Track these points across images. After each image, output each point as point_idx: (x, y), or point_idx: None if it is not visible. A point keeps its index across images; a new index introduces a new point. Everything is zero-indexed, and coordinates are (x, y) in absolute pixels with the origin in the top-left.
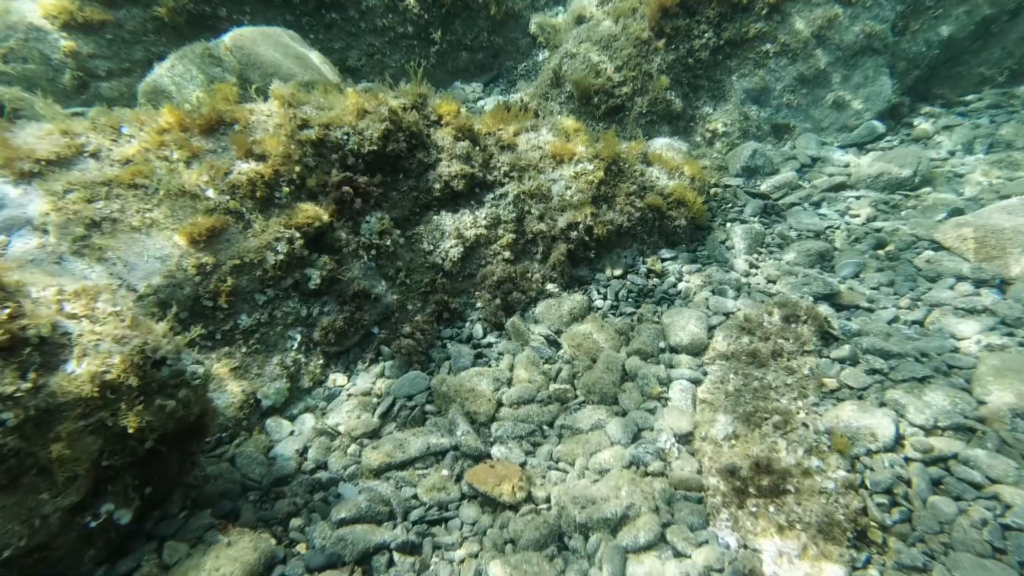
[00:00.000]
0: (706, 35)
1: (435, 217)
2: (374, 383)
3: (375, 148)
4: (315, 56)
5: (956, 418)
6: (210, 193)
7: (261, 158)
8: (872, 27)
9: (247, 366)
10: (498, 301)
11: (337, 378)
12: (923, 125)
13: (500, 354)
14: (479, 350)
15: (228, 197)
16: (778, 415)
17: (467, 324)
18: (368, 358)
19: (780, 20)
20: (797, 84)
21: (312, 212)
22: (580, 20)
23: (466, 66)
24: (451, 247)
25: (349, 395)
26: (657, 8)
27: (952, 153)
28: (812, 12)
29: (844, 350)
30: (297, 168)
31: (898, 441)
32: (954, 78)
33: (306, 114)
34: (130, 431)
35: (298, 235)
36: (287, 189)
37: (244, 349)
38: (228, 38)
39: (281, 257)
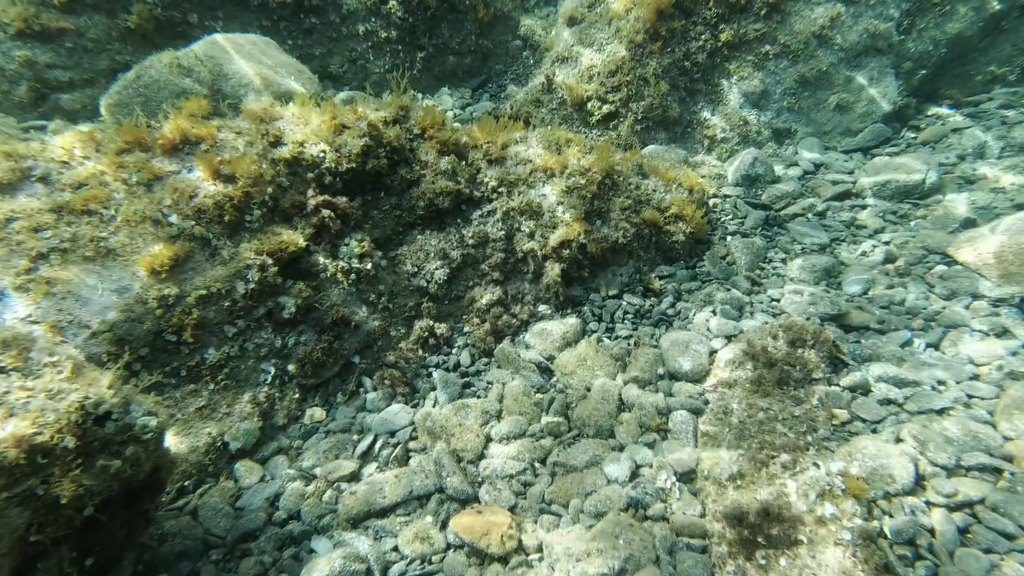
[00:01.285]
0: (703, 37)
1: (419, 237)
2: (355, 418)
3: (354, 166)
4: (293, 64)
5: (981, 457)
6: (173, 218)
7: (230, 179)
8: (876, 26)
9: (215, 404)
10: (487, 326)
11: (314, 413)
12: (931, 128)
13: (489, 383)
14: (467, 379)
15: (193, 222)
16: (786, 453)
17: (454, 350)
18: (348, 390)
19: (780, 20)
20: (798, 87)
21: (286, 236)
22: (572, 22)
23: (454, 70)
24: (436, 268)
25: (327, 432)
26: (652, 10)
27: (962, 158)
28: (813, 11)
29: (855, 377)
30: (270, 189)
31: (918, 483)
32: (963, 78)
33: (279, 130)
34: (64, 501)
35: (271, 261)
36: (259, 212)
37: (212, 386)
38: (199, 46)
39: (252, 286)
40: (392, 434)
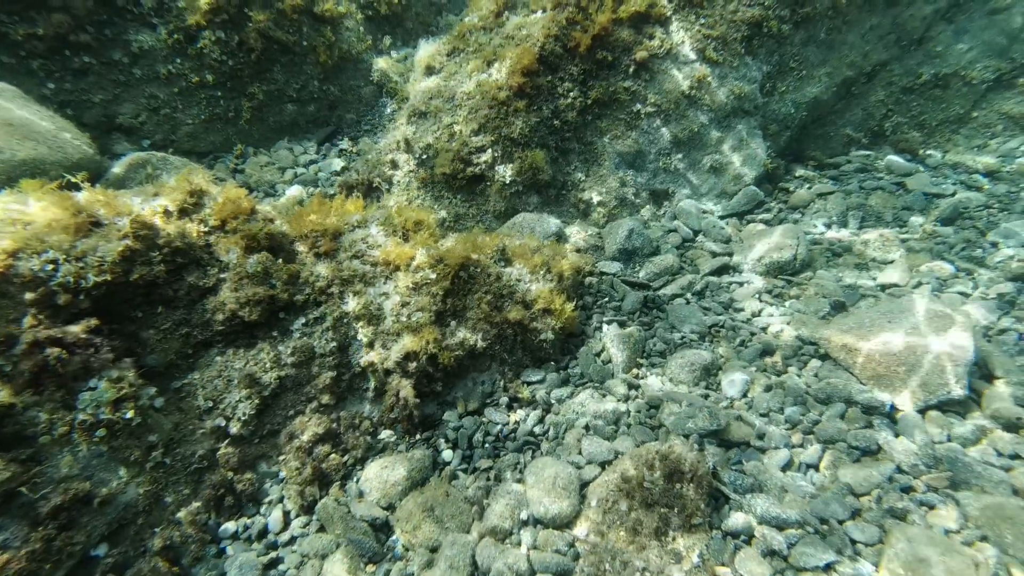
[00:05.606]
0: (571, 94)
1: (218, 359)
2: None
3: (110, 277)
4: (46, 119)
5: None
6: None
7: None
8: (741, 88)
9: None
10: (309, 470)
11: None
12: (799, 192)
13: (304, 557)
14: (274, 553)
15: None
16: None
17: (263, 508)
18: None
19: (649, 79)
20: (672, 147)
21: None
22: (430, 71)
23: (294, 120)
24: (241, 400)
25: None
26: (515, 65)
27: (828, 226)
28: (680, 71)
29: (737, 520)
30: None
31: None
32: (824, 139)
33: None
34: None
35: None
36: None
37: None
38: None
39: None
40: None
